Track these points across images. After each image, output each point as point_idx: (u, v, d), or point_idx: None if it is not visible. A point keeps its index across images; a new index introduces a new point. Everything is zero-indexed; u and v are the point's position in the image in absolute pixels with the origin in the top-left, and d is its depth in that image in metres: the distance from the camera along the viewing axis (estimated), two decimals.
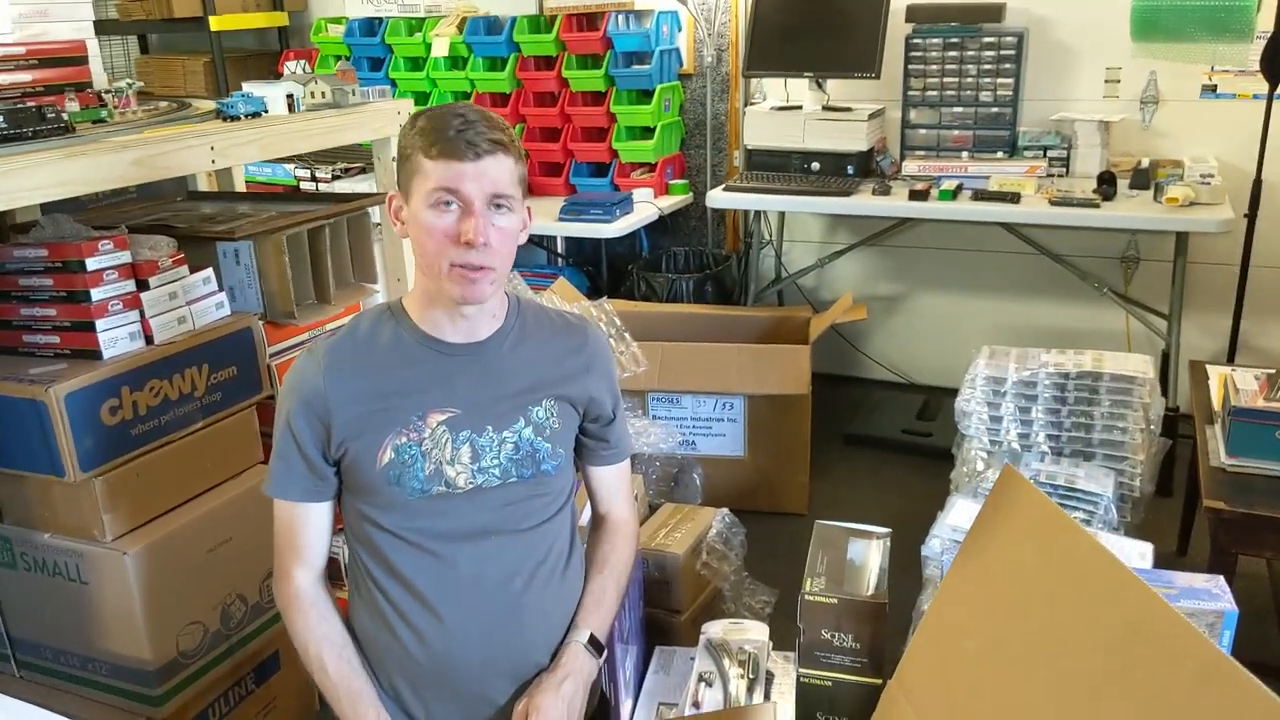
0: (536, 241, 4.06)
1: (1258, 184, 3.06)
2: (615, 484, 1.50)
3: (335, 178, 4.13)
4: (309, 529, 1.32)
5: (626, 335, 2.80)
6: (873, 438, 3.51)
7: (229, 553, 1.87)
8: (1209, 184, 3.09)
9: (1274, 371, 2.11)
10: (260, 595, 1.95)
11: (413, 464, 1.27)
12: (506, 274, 1.29)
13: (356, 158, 4.21)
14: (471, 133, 1.21)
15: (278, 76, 4.35)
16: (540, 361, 1.35)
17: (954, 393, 3.79)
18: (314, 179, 4.18)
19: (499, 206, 1.24)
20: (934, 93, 3.51)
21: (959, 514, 1.88)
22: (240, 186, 2.92)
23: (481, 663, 1.32)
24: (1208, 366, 2.57)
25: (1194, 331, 3.41)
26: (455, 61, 4.10)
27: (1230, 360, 3.27)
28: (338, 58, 4.32)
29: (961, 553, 1.20)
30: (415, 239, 1.25)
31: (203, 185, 2.84)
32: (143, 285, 1.83)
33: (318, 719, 2.18)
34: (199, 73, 4.37)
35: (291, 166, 4.23)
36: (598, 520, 1.51)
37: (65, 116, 1.80)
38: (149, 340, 1.82)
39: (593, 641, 1.39)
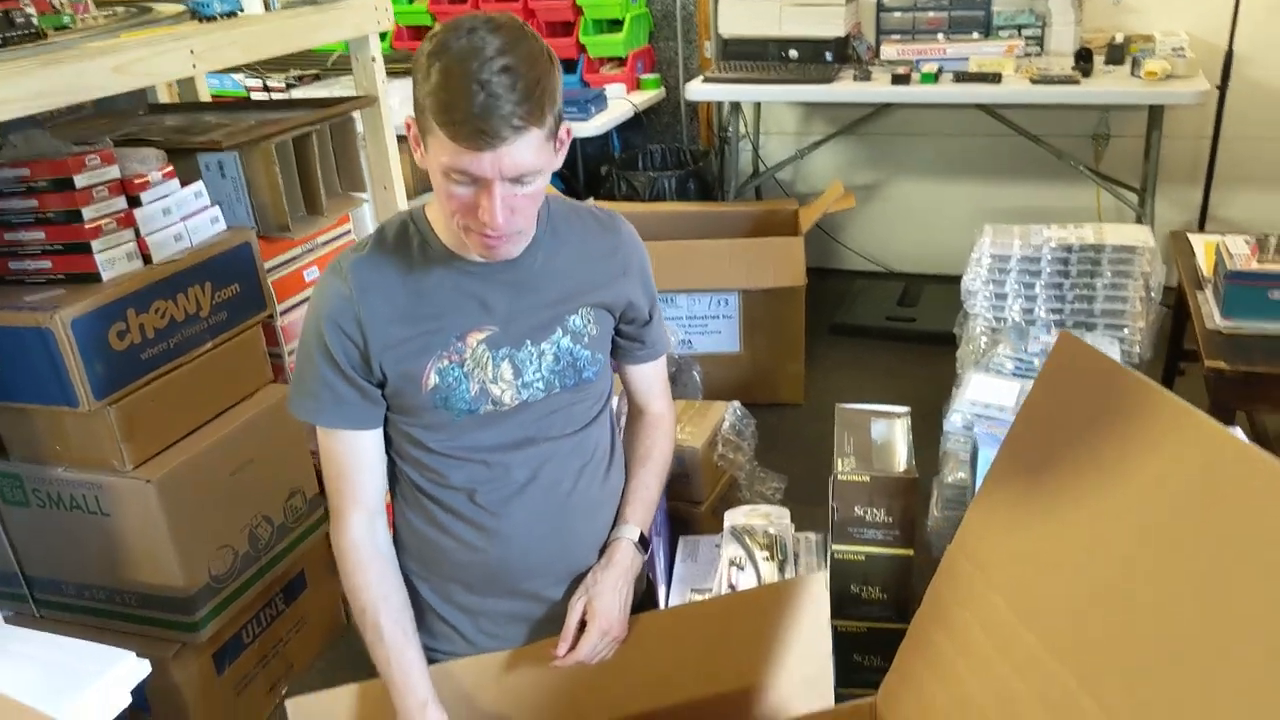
0: None
1: (1229, 55, 3.08)
2: (652, 380, 1.48)
3: (290, 86, 3.96)
4: (364, 462, 1.26)
5: (625, 222, 2.76)
6: (858, 326, 3.54)
7: (251, 475, 1.84)
8: (1183, 57, 3.09)
9: (1263, 235, 2.15)
10: (285, 516, 1.93)
11: (457, 386, 1.23)
12: (533, 228, 1.20)
13: (309, 64, 4.02)
14: (494, 119, 1.03)
15: None
16: (574, 269, 1.28)
17: (934, 279, 3.88)
18: (266, 89, 4.00)
19: (523, 182, 1.10)
20: None
21: (977, 389, 1.91)
22: (205, 98, 2.79)
23: (535, 562, 1.32)
24: (1190, 236, 2.61)
25: (1163, 204, 3.45)
26: None
27: (1201, 230, 3.33)
28: None
29: (1021, 418, 1.21)
30: (434, 187, 1.13)
31: (163, 97, 2.70)
32: (134, 202, 1.75)
33: (346, 634, 2.19)
34: None
35: (240, 75, 4.03)
36: (635, 414, 1.50)
37: (35, 22, 1.69)
38: (147, 260, 1.75)
39: (640, 538, 1.39)
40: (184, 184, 1.89)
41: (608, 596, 1.31)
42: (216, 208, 1.93)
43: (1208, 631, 0.90)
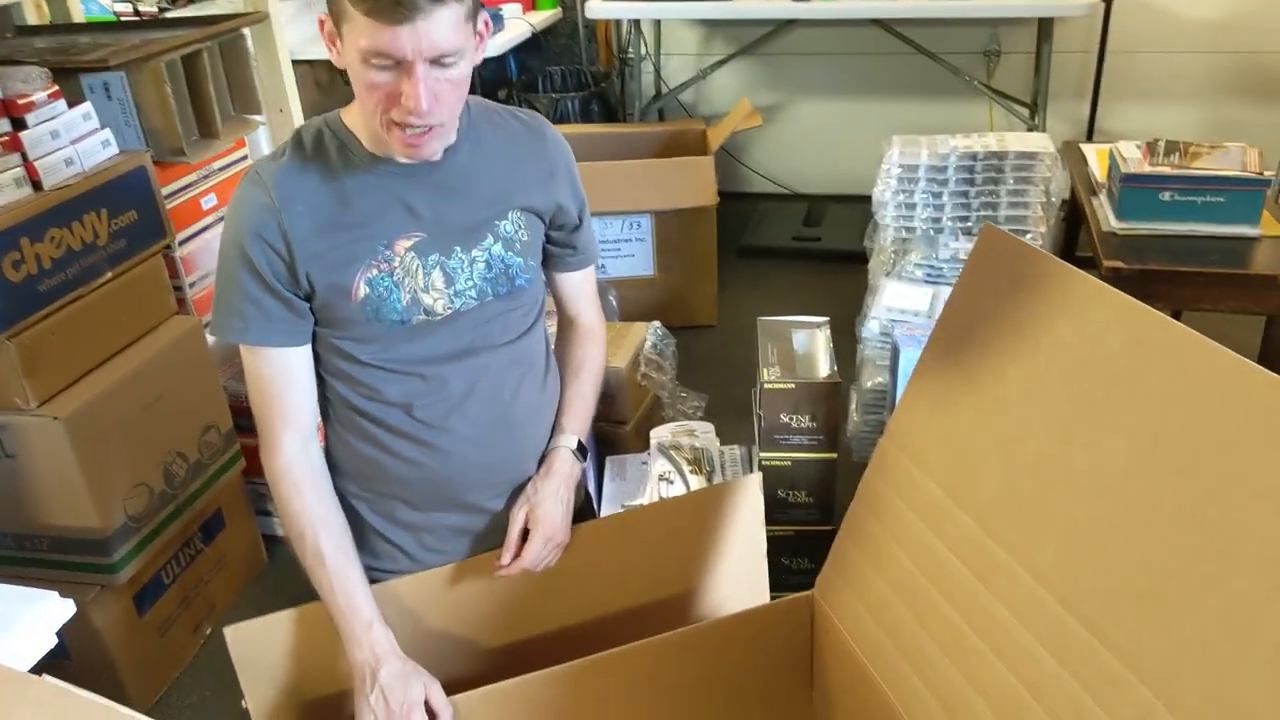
0: None
1: None
2: (583, 288, 1.47)
3: (162, 10, 3.73)
4: (296, 381, 1.22)
5: (548, 123, 2.71)
6: (765, 248, 3.58)
7: (162, 410, 1.77)
8: None
9: (1154, 140, 2.25)
10: (200, 452, 1.87)
11: (388, 296, 1.20)
12: (456, 122, 1.17)
13: None
14: None
15: None
16: (501, 171, 1.26)
17: (837, 199, 3.94)
18: (137, 13, 3.76)
19: (444, 64, 1.06)
20: None
21: (892, 295, 1.96)
22: (78, 18, 2.61)
23: (478, 474, 1.31)
24: (1081, 146, 2.71)
25: (1051, 118, 3.56)
26: None
27: (1089, 140, 3.46)
28: None
29: (947, 310, 1.25)
30: (353, 83, 1.08)
31: (30, 18, 2.52)
32: (19, 124, 1.64)
33: (266, 572, 2.15)
34: None
35: (108, 0, 3.78)
36: (565, 325, 1.49)
37: None
38: (36, 186, 1.64)
39: (578, 445, 1.40)
40: (69, 106, 1.78)
41: (549, 504, 1.32)
42: (107, 130, 1.82)
43: (1139, 494, 0.95)
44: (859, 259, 3.12)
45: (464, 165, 1.22)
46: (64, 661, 1.71)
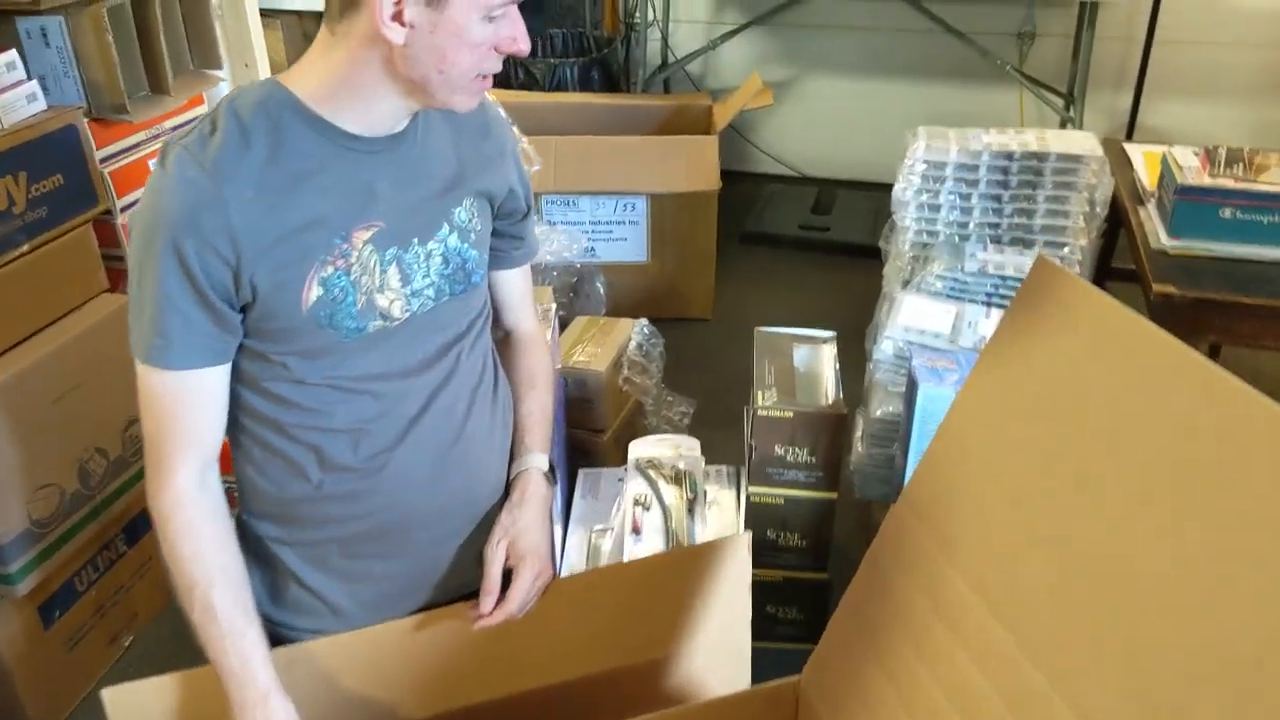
0: None
1: None
2: (524, 290, 1.30)
3: None
4: (207, 402, 1.02)
5: (514, 129, 2.49)
6: (769, 235, 3.36)
7: (80, 401, 1.57)
8: None
9: (1213, 147, 2.02)
10: (123, 447, 1.67)
11: (344, 298, 1.00)
12: None
13: None
14: None
15: None
16: (452, 149, 1.10)
17: (849, 185, 3.71)
18: None
19: None
20: None
21: (909, 312, 1.75)
22: None
23: (432, 506, 1.13)
24: (1126, 146, 2.48)
25: (1086, 110, 3.33)
26: None
27: (1129, 138, 3.23)
28: None
29: (987, 355, 1.05)
30: (439, 51, 0.94)
31: None
32: None
33: None
34: None
35: None
36: (504, 335, 1.31)
37: None
38: None
39: (550, 467, 1.22)
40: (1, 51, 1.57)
41: (533, 534, 1.15)
42: (34, 83, 1.61)
43: (1231, 618, 0.75)
44: (870, 253, 2.89)
45: (420, 142, 1.06)
46: None
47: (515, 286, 1.27)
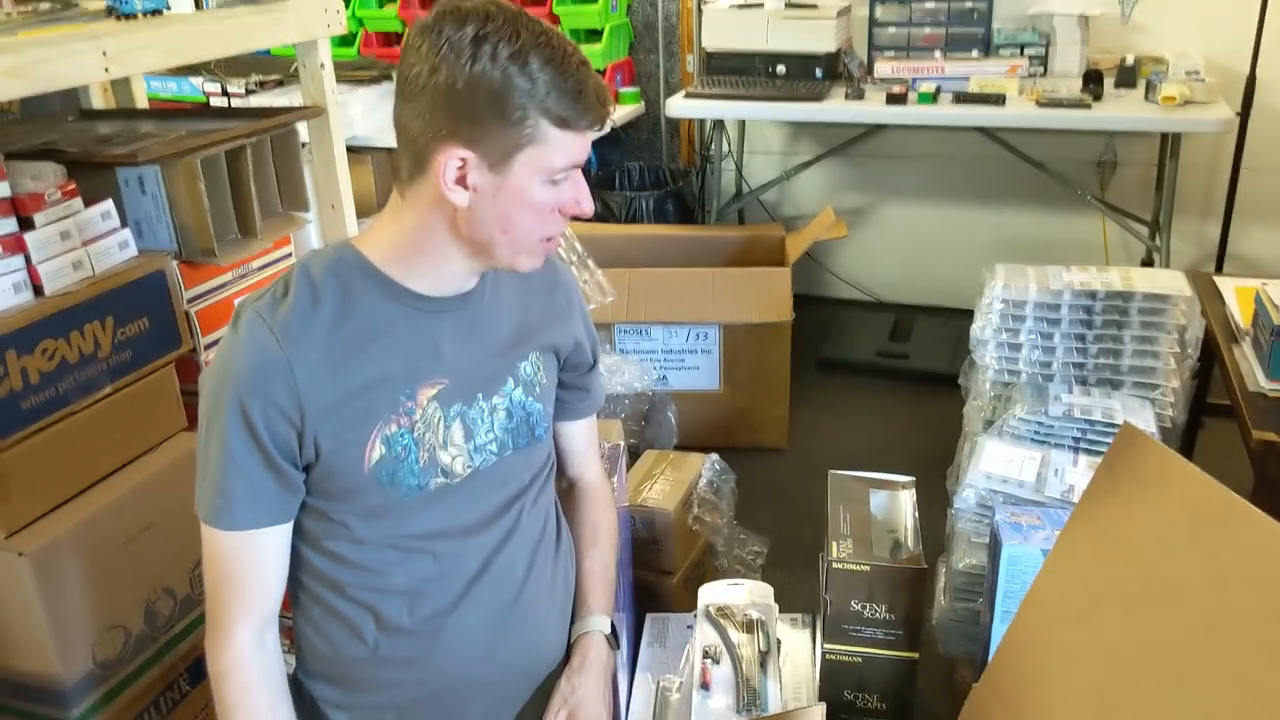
0: None
1: (1251, 80, 2.88)
2: (588, 440, 1.29)
3: (250, 92, 3.70)
4: (267, 562, 1.02)
5: (590, 262, 2.53)
6: (846, 362, 3.32)
7: (151, 541, 1.58)
8: (1200, 81, 2.90)
9: None
10: (191, 586, 1.68)
11: (406, 457, 1.00)
12: None
13: (273, 68, 3.78)
14: (597, 84, 0.95)
15: None
16: (520, 306, 1.12)
17: (927, 310, 3.66)
18: (225, 94, 3.75)
19: None
20: None
21: (992, 459, 1.68)
22: (142, 103, 2.54)
23: (490, 670, 1.11)
24: (1216, 279, 2.40)
25: (1173, 239, 3.25)
26: None
27: (1218, 270, 3.13)
28: None
29: (1072, 527, 0.99)
30: (502, 214, 0.97)
31: (97, 102, 2.45)
32: (27, 224, 1.50)
33: None
34: None
35: (199, 80, 3.78)
36: (568, 486, 1.30)
37: None
38: (38, 291, 1.50)
39: (612, 629, 1.18)
40: (100, 200, 1.66)
41: (593, 704, 1.12)
42: (127, 230, 1.68)
43: None
44: (950, 381, 2.82)
45: (489, 299, 1.08)
46: None
47: (580, 437, 1.26)
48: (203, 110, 2.55)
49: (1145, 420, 1.75)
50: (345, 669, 1.07)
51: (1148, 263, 3.17)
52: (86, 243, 1.60)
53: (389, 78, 3.63)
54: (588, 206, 1.01)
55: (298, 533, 1.05)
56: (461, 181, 0.95)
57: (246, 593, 1.01)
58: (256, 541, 1.00)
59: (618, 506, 1.39)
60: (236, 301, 1.07)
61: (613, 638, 1.20)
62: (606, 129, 1.00)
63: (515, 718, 1.13)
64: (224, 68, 3.74)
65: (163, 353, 1.67)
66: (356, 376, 0.99)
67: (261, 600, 1.02)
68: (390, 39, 3.90)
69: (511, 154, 0.94)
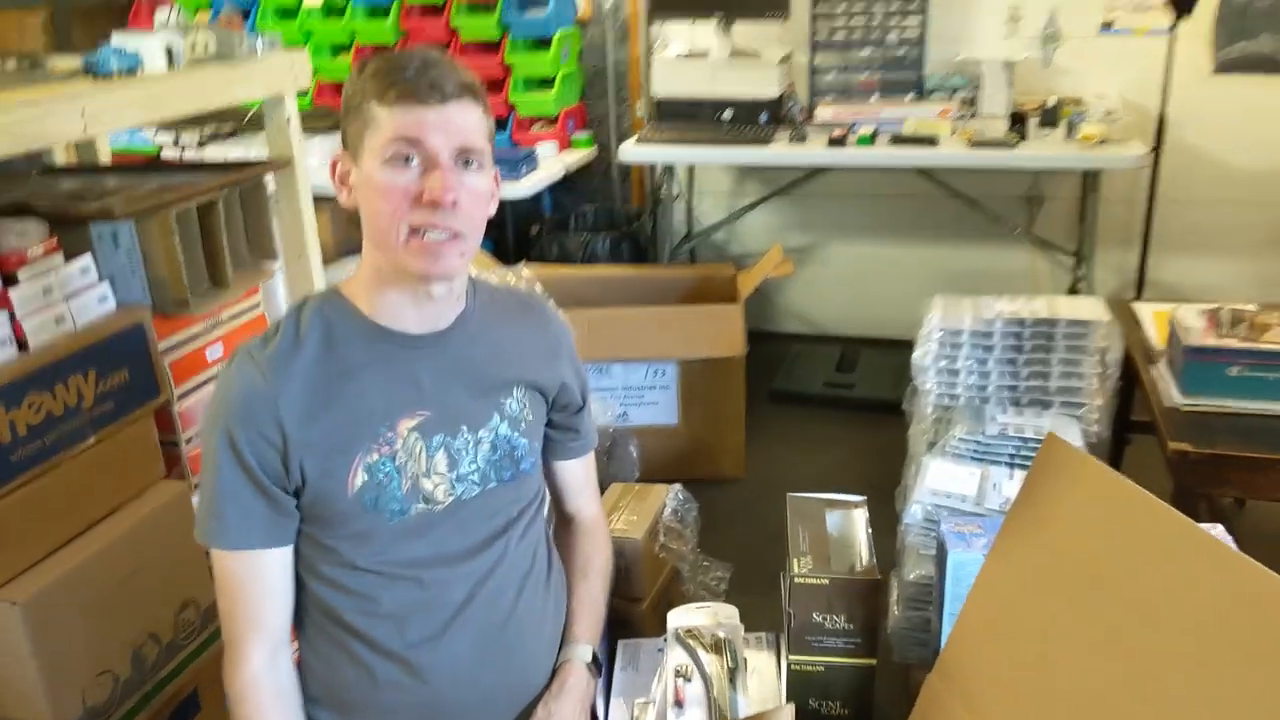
0: None
1: (1162, 119, 3.09)
2: (584, 478, 1.36)
3: (202, 143, 3.77)
4: (271, 584, 1.10)
5: (550, 303, 2.62)
6: (797, 393, 3.45)
7: (136, 587, 1.63)
8: (1117, 121, 3.10)
9: (1216, 308, 2.10)
10: (175, 631, 1.72)
11: (389, 483, 1.08)
12: (476, 247, 1.11)
13: (224, 119, 3.84)
14: (435, 72, 1.02)
15: (130, 28, 3.93)
16: (507, 345, 1.20)
17: (870, 342, 3.81)
18: (178, 144, 3.80)
19: (467, 163, 1.06)
20: (841, 35, 3.41)
21: (937, 476, 1.80)
22: (106, 158, 2.59)
23: (479, 695, 1.17)
24: (1134, 306, 2.57)
25: (1096, 268, 3.44)
26: (331, 10, 3.77)
27: (1138, 295, 3.32)
28: (199, 8, 3.93)
29: (1007, 529, 1.10)
30: (366, 204, 1.06)
31: (60, 158, 2.50)
32: (10, 280, 1.56)
33: None
34: (37, 28, 3.89)
35: (151, 132, 3.83)
36: (565, 521, 1.38)
37: None
38: (22, 346, 1.55)
39: (593, 658, 1.25)
40: (72, 256, 1.71)
41: None
42: (106, 284, 1.74)
43: None
44: (894, 408, 2.96)
45: (471, 338, 1.16)
46: None
47: (575, 475, 1.33)
48: (167, 164, 2.60)
49: (1073, 436, 1.88)
50: (344, 693, 1.14)
51: (1074, 291, 3.35)
52: (68, 297, 1.65)
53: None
54: (437, 190, 1.02)
55: (298, 561, 1.12)
56: (343, 181, 1.08)
57: (255, 614, 1.08)
58: (257, 563, 1.08)
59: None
60: (236, 346, 1.15)
61: (594, 665, 1.27)
62: (444, 104, 1.02)
63: None
64: (176, 119, 3.80)
65: (142, 402, 1.72)
66: (337, 408, 1.07)
67: (270, 621, 1.09)
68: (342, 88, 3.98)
69: (359, 142, 1.05)
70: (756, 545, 2.47)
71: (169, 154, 3.77)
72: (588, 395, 1.31)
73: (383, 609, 1.11)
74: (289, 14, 3.81)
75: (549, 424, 1.26)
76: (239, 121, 3.89)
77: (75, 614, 1.51)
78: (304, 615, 1.15)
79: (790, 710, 1.23)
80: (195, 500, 1.12)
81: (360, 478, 1.08)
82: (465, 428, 1.14)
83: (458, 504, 1.13)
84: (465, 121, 1.04)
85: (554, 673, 1.24)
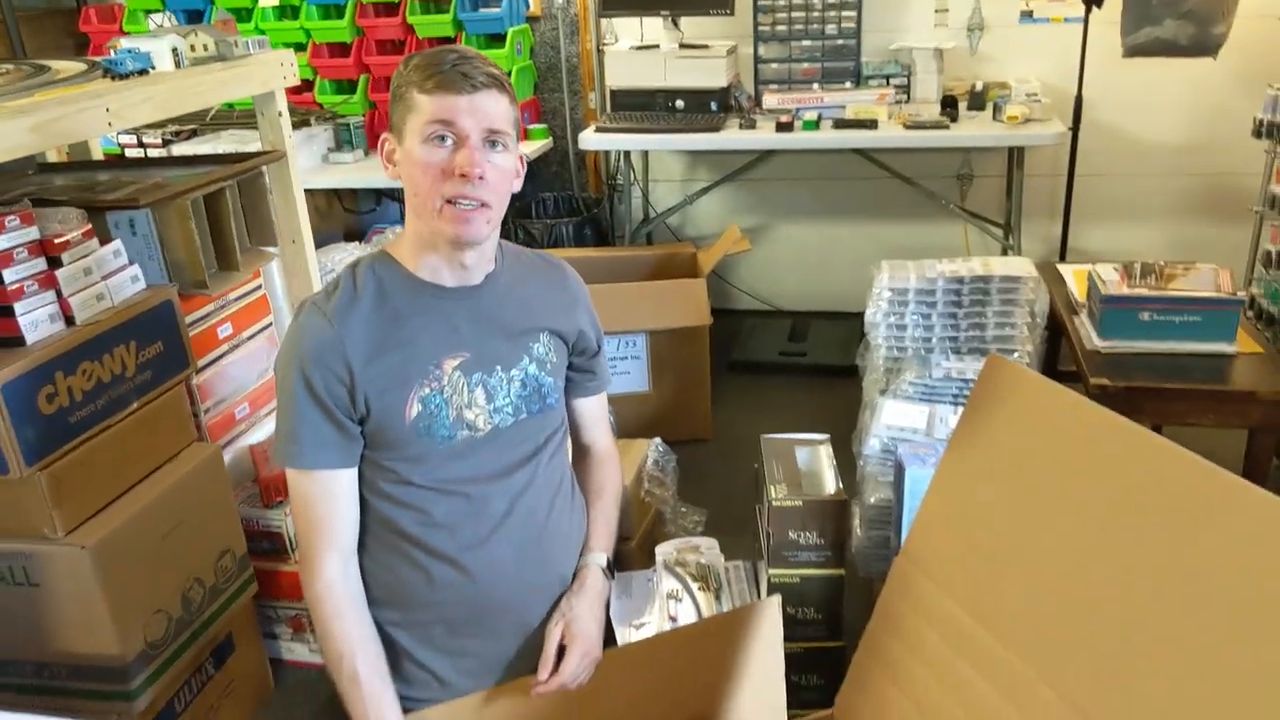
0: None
1: (1079, 100, 3.37)
2: (598, 414, 1.55)
3: (167, 142, 3.87)
4: (341, 502, 1.27)
5: (567, 263, 2.81)
6: (754, 362, 3.68)
7: (182, 537, 1.80)
8: (1039, 102, 3.37)
9: (1129, 263, 2.37)
10: (216, 576, 1.89)
11: (439, 413, 1.27)
12: (501, 216, 1.29)
13: (187, 120, 3.95)
14: (467, 66, 1.20)
15: (80, 37, 4.00)
16: (532, 298, 1.38)
17: (820, 315, 4.06)
18: (141, 144, 3.89)
19: (494, 144, 1.23)
20: (783, 27, 3.64)
21: (891, 414, 2.03)
22: (97, 156, 2.71)
23: (519, 592, 1.36)
24: (1058, 266, 2.85)
25: (1024, 238, 3.73)
26: (286, 10, 3.90)
27: (1062, 260, 3.61)
28: (148, 12, 4.02)
29: (959, 432, 1.32)
30: (408, 177, 1.24)
31: (52, 156, 2.62)
32: (55, 262, 1.71)
33: (273, 699, 2.13)
34: None
35: (113, 133, 3.91)
36: (582, 451, 1.56)
37: None
38: (70, 321, 1.70)
39: (608, 564, 1.45)
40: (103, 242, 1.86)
41: (585, 620, 1.37)
42: (136, 266, 1.89)
43: (1156, 612, 1.01)
44: (843, 372, 3.21)
45: (501, 292, 1.34)
46: None
47: (591, 411, 1.53)
48: (155, 160, 2.73)
49: None
50: (404, 593, 1.32)
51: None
52: (104, 277, 1.80)
53: (307, 123, 3.85)
54: (465, 165, 1.19)
55: (361, 483, 1.31)
56: (389, 158, 1.27)
57: (328, 528, 1.26)
58: (329, 482, 1.26)
59: None
60: (301, 300, 1.33)
61: (608, 570, 1.47)
62: (474, 93, 1.19)
63: (538, 630, 1.39)
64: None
65: (175, 373, 1.88)
66: (393, 349, 1.26)
67: (340, 535, 1.27)
68: (302, 86, 4.08)
69: (403, 124, 1.23)
70: (727, 494, 2.69)
71: (133, 153, 3.86)
72: (602, 342, 1.50)
73: (436, 519, 1.30)
74: (243, 16, 3.92)
75: (569, 366, 1.45)
76: (201, 122, 4.00)
77: (133, 559, 1.68)
78: (366, 531, 1.33)
79: (776, 600, 1.44)
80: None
81: (415, 408, 1.26)
82: (499, 367, 1.32)
83: (495, 431, 1.32)
84: (492, 108, 1.22)
85: (575, 574, 1.43)
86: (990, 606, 1.18)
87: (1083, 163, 3.50)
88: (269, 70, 2.29)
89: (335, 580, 1.26)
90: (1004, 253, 3.61)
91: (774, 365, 3.66)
